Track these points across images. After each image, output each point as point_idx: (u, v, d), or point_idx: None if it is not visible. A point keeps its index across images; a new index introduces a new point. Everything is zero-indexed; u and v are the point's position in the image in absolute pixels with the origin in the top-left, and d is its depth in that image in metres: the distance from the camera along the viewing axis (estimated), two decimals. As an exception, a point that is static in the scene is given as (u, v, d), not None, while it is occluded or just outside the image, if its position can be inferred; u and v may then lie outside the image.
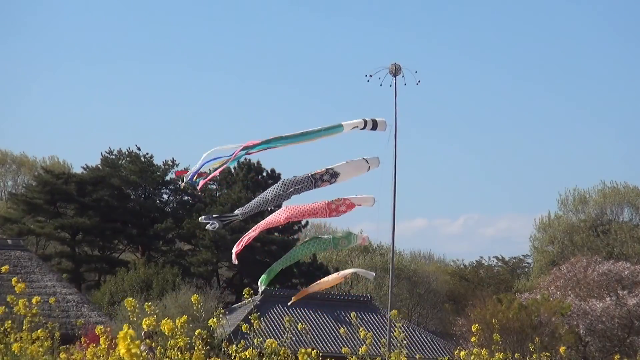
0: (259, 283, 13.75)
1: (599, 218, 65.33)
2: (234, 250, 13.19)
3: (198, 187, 13.06)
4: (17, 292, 9.17)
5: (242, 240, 13.30)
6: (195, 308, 9.37)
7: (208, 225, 12.86)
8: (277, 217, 13.49)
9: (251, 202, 13.22)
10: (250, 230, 13.46)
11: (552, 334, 36.73)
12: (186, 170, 13.19)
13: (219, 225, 12.98)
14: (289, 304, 15.62)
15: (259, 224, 13.50)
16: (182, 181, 13.14)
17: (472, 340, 11.05)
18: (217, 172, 12.94)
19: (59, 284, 38.67)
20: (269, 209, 14.12)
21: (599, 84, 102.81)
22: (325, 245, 13.90)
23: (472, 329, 11.13)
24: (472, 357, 10.45)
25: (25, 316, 9.52)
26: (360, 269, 14.84)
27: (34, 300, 8.95)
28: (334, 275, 14.76)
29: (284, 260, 14.01)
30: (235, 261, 13.18)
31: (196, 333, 10.38)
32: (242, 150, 12.83)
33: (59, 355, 11.40)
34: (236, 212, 13.10)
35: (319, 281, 14.98)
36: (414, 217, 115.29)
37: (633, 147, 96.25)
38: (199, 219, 13.40)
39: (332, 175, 13.05)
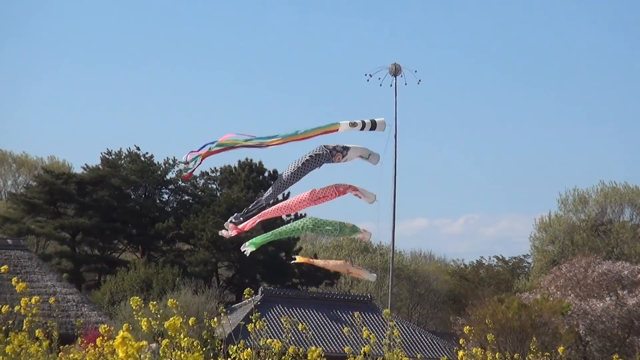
0: (247, 243, 13.50)
1: (599, 218, 65.31)
2: (232, 232, 13.00)
3: (189, 170, 12.83)
4: (18, 291, 9.18)
5: (249, 221, 13.14)
6: (184, 309, 9.37)
7: (229, 227, 12.78)
8: (287, 204, 13.46)
9: (273, 185, 13.07)
10: (258, 215, 13.31)
11: (553, 334, 36.72)
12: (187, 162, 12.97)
13: (242, 219, 12.84)
14: (292, 262, 15.56)
15: (267, 210, 13.41)
16: (184, 168, 12.91)
17: (460, 342, 11.03)
18: (207, 152, 12.79)
19: (59, 284, 38.67)
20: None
21: (598, 84, 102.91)
22: (329, 228, 13.78)
23: (465, 331, 11.12)
24: (472, 358, 10.45)
25: (26, 316, 9.52)
26: (364, 271, 14.77)
27: (33, 300, 8.95)
28: (340, 263, 14.69)
29: (282, 232, 13.85)
30: (227, 232, 13.00)
31: (203, 334, 10.43)
32: (237, 137, 12.73)
33: (57, 356, 11.40)
34: (261, 199, 12.95)
35: (328, 260, 14.99)
36: (415, 217, 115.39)
37: (633, 147, 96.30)
38: (225, 224, 13.10)
39: (343, 148, 13.05)
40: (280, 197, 14.70)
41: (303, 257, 15.37)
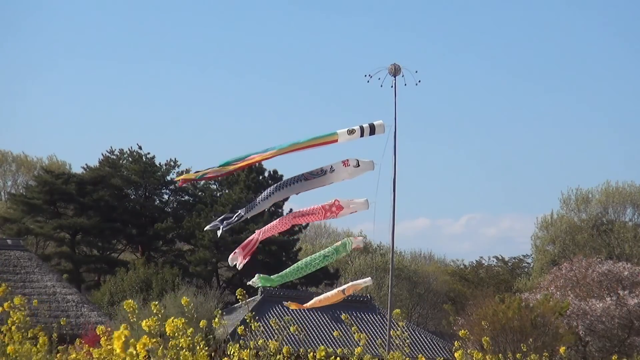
0: (256, 280, 13.59)
1: (600, 217, 65.25)
2: (240, 259, 13.10)
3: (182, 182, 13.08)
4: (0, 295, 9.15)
5: (248, 248, 13.21)
6: (188, 309, 9.35)
7: (216, 229, 12.90)
8: (276, 224, 13.46)
9: (252, 203, 13.18)
10: (252, 238, 13.35)
11: (553, 334, 36.68)
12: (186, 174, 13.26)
13: (223, 230, 12.96)
14: (287, 304, 15.48)
15: (260, 230, 13.44)
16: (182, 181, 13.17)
17: (455, 344, 10.98)
18: (208, 176, 12.95)
19: (58, 284, 38.65)
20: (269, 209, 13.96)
21: (601, 83, 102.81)
22: (331, 258, 13.86)
23: (460, 334, 11.07)
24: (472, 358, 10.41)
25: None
26: (358, 281, 14.74)
27: (16, 301, 8.94)
28: (334, 292, 14.63)
29: (290, 274, 13.84)
30: (240, 266, 13.17)
31: (202, 334, 10.44)
32: (239, 163, 12.80)
33: (56, 356, 11.37)
34: (240, 212, 13.04)
35: (320, 297, 14.78)
36: (417, 216, 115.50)
37: (636, 147, 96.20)
38: (205, 228, 13.36)
39: (323, 173, 13.04)
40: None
41: (293, 304, 15.26)
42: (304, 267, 13.83)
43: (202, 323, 9.46)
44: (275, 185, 13.24)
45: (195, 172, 12.97)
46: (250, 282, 13.66)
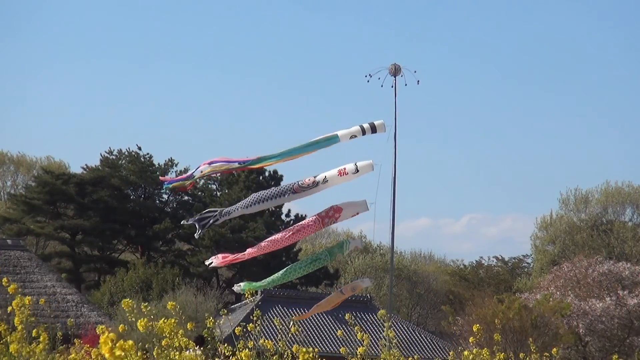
0: (241, 285, 13.37)
1: (600, 218, 65.24)
2: (218, 260, 12.94)
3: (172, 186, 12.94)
4: (11, 293, 9.15)
5: (233, 257, 13.08)
6: (175, 312, 9.34)
7: (194, 227, 12.70)
8: (272, 242, 13.27)
9: (232, 208, 12.95)
10: (238, 257, 13.18)
11: (553, 335, 36.64)
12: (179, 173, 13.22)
13: (200, 233, 12.73)
14: (293, 318, 15.38)
15: (255, 248, 13.26)
16: (167, 184, 13.11)
17: (471, 340, 10.98)
18: (196, 174, 12.85)
19: (58, 284, 38.63)
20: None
21: (601, 83, 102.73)
22: (323, 262, 13.72)
23: (474, 329, 11.06)
24: (471, 357, 10.41)
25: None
26: (357, 281, 14.65)
27: (26, 301, 8.94)
28: (333, 295, 14.51)
29: (279, 278, 13.66)
30: (215, 263, 12.99)
31: (204, 333, 10.43)
32: (235, 163, 12.72)
33: (56, 356, 11.36)
34: (216, 213, 12.76)
35: (319, 304, 14.60)
36: (418, 216, 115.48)
37: (635, 147, 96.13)
38: (182, 222, 13.20)
39: (314, 185, 12.89)
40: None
41: (299, 316, 15.15)
42: (292, 271, 13.68)
43: (190, 325, 9.44)
44: (259, 194, 13.00)
45: (186, 179, 12.85)
46: (234, 288, 13.44)
